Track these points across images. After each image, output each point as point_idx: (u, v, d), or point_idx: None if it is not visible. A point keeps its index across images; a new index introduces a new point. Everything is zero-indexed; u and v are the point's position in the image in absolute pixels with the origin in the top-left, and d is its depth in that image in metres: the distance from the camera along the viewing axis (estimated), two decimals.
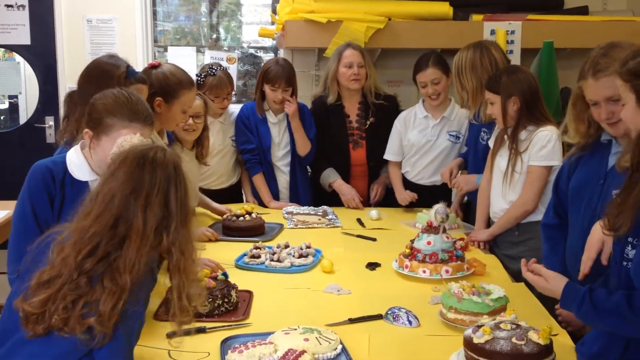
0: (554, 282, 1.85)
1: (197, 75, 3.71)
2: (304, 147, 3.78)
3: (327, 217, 3.55)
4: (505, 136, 3.00)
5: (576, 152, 2.33)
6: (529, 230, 2.93)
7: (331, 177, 3.82)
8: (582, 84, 2.16)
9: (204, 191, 3.66)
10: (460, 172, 3.61)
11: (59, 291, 1.60)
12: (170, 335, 2.03)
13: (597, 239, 1.93)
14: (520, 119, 2.94)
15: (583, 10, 4.50)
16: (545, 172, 2.90)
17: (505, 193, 3.02)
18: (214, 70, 3.71)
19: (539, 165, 2.90)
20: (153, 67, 2.87)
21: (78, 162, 2.13)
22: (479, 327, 1.82)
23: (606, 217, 1.74)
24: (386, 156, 3.81)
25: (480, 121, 3.33)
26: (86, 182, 2.12)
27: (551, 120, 2.96)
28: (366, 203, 3.85)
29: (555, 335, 1.99)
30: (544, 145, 2.88)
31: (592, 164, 2.27)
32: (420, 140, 3.71)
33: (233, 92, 3.87)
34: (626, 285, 1.70)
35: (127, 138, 2.01)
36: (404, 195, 3.70)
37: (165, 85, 2.80)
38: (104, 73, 2.41)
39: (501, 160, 3.03)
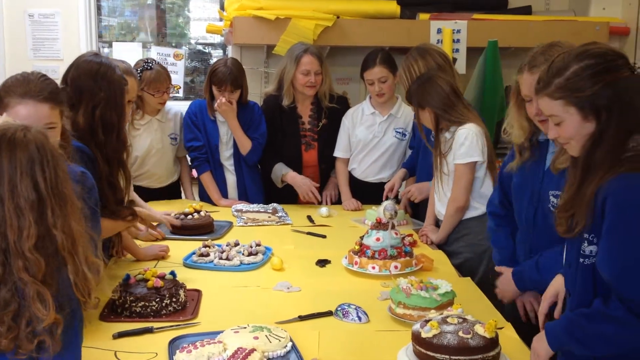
0: (538, 344, 1.80)
1: None
2: (243, 146, 3.75)
3: (277, 215, 3.54)
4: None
5: (519, 160, 2.36)
6: (466, 226, 3.03)
7: (283, 170, 3.79)
8: (518, 78, 2.21)
9: (143, 190, 3.59)
10: (404, 182, 3.66)
11: None
12: (116, 336, 2.01)
13: (552, 292, 1.98)
14: (438, 124, 3.02)
15: (526, 10, 4.61)
16: (467, 168, 2.98)
17: (439, 193, 3.11)
18: (150, 65, 3.63)
19: (460, 162, 2.99)
20: None
21: None
22: (427, 321, 1.84)
23: (558, 222, 1.76)
24: (335, 153, 3.83)
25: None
26: None
27: (472, 118, 3.02)
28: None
29: (501, 328, 2.03)
30: (462, 143, 2.96)
31: (532, 163, 2.32)
32: (367, 136, 3.74)
33: (172, 86, 3.80)
34: (583, 283, 1.71)
35: None
36: (348, 203, 3.73)
37: None
38: (104, 76, 2.45)
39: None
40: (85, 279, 1.54)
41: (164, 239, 3.08)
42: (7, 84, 2.07)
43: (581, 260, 1.70)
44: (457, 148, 2.98)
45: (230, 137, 3.79)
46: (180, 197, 3.96)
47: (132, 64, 3.66)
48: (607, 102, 1.63)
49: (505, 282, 2.40)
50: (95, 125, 2.43)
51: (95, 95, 2.41)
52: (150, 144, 3.71)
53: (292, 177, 3.80)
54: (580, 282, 1.72)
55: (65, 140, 2.11)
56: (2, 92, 2.06)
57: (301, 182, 3.78)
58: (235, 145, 3.79)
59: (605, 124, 1.63)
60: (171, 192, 3.89)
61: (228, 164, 3.84)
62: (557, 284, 1.99)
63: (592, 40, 1.77)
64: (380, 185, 3.71)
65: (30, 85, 2.04)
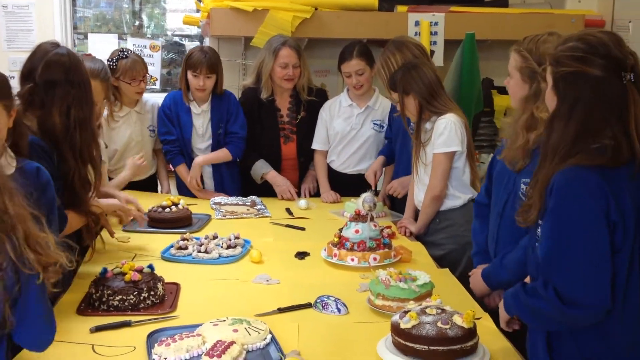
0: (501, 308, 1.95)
1: (108, 60, 3.53)
2: (226, 157, 3.76)
3: (255, 207, 3.53)
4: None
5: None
6: (448, 217, 3.04)
7: (264, 169, 3.78)
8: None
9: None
10: (384, 170, 3.68)
11: None
12: (93, 330, 2.00)
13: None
14: (421, 112, 3.03)
15: (503, 3, 4.64)
16: (445, 158, 2.99)
17: (418, 183, 3.13)
18: (125, 53, 3.59)
19: (438, 152, 2.99)
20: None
21: None
22: (406, 312, 1.85)
23: (521, 210, 1.82)
24: (314, 145, 3.82)
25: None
26: None
27: (453, 108, 3.04)
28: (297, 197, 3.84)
29: (479, 318, 2.05)
30: (442, 133, 2.97)
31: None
32: (344, 128, 3.74)
33: (148, 75, 3.76)
34: (536, 265, 1.78)
35: None
36: (327, 195, 3.73)
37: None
38: (76, 71, 2.40)
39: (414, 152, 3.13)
40: (28, 254, 1.56)
41: (144, 232, 3.04)
42: None
43: (537, 244, 1.77)
44: (436, 138, 2.98)
45: (207, 128, 3.76)
46: (156, 191, 3.93)
47: (108, 55, 3.65)
48: (564, 89, 1.70)
49: (476, 281, 2.43)
50: (72, 126, 2.37)
51: (68, 94, 2.35)
52: (129, 137, 3.68)
53: (273, 177, 3.78)
54: (534, 266, 1.79)
55: (19, 136, 2.07)
56: None
57: (281, 182, 3.77)
58: (213, 137, 3.76)
59: (570, 110, 1.68)
60: (149, 185, 3.86)
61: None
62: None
63: (571, 33, 1.79)
64: (359, 177, 3.71)
65: None
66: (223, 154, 3.75)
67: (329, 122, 3.77)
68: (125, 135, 3.67)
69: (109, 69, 3.08)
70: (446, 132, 2.96)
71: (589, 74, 1.66)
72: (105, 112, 3.19)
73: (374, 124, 3.74)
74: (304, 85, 3.78)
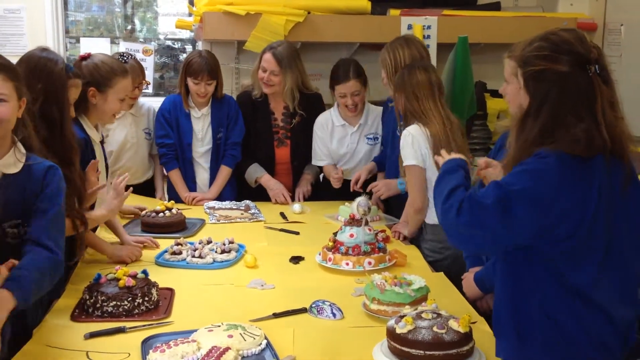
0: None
1: None
2: (229, 175, 3.79)
3: (249, 212, 3.52)
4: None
5: (506, 132, 2.42)
6: (434, 232, 2.99)
7: (257, 173, 3.78)
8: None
9: None
10: (372, 175, 3.66)
11: None
12: (87, 337, 1.99)
13: None
14: (405, 114, 3.04)
15: (496, 7, 4.65)
16: (412, 170, 2.97)
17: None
18: (125, 59, 3.58)
19: (406, 164, 2.99)
20: (83, 59, 2.81)
21: None
22: (402, 317, 1.85)
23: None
24: (319, 163, 3.81)
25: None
26: None
27: (432, 118, 2.97)
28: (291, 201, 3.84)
29: (474, 322, 2.05)
30: (403, 146, 2.98)
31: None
32: (340, 149, 3.75)
33: (144, 82, 3.75)
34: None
35: None
36: (338, 176, 3.66)
37: (97, 75, 2.74)
38: (44, 68, 2.35)
39: None
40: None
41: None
42: None
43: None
44: (402, 149, 2.99)
45: (206, 132, 3.75)
46: (153, 196, 3.91)
47: None
48: (533, 87, 1.74)
49: (468, 284, 2.42)
50: (37, 121, 2.29)
51: (32, 88, 2.26)
52: (125, 138, 3.67)
53: (266, 181, 3.78)
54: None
55: (25, 126, 2.08)
56: None
57: (274, 186, 3.76)
58: (212, 142, 3.76)
59: (538, 106, 1.73)
60: (147, 190, 3.84)
61: (202, 161, 3.80)
62: None
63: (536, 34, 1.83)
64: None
65: None
66: (226, 173, 3.77)
67: (326, 139, 3.76)
68: (120, 137, 3.66)
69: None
70: (405, 145, 2.96)
71: (555, 70, 1.71)
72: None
73: (368, 139, 3.74)
74: (292, 93, 3.72)
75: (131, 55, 3.65)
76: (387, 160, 3.54)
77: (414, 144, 2.94)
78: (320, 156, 3.80)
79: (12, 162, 2.03)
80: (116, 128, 3.65)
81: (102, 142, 2.88)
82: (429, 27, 4.28)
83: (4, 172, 2.01)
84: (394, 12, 4.37)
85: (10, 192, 2.01)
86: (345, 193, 3.63)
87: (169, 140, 3.73)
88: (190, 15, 4.59)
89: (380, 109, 3.72)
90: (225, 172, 3.77)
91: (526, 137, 1.74)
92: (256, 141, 3.82)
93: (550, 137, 1.70)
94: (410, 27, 4.24)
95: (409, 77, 3.03)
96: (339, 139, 3.74)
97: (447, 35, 4.23)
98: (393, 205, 3.52)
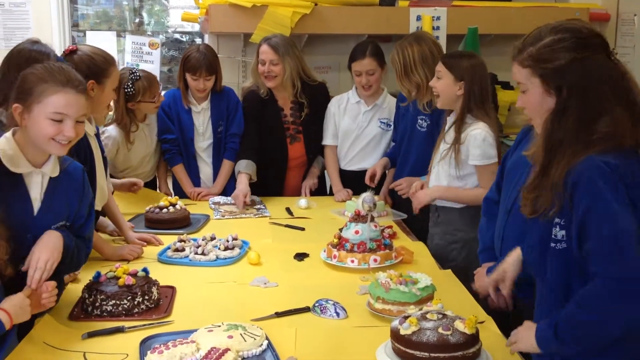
0: (524, 337, 1.75)
1: (124, 88, 3.43)
2: (231, 170, 3.72)
3: (255, 207, 3.48)
4: (447, 122, 2.99)
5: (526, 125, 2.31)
6: (448, 215, 2.97)
7: (241, 168, 3.61)
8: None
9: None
10: (387, 172, 3.62)
11: None
12: (86, 337, 1.95)
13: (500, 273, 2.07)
14: (463, 107, 2.89)
15: None
16: (488, 168, 2.86)
17: (438, 176, 2.99)
18: (137, 74, 3.50)
19: (480, 164, 2.88)
20: (72, 52, 2.74)
21: (11, 152, 2.00)
22: (406, 318, 1.80)
23: (523, 202, 1.75)
24: (324, 141, 3.76)
25: (425, 109, 3.32)
26: (20, 175, 2.02)
27: (488, 117, 2.90)
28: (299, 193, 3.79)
29: (482, 322, 1.99)
30: (479, 146, 2.85)
31: (527, 146, 2.27)
32: (350, 126, 3.69)
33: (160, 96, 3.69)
34: (557, 267, 1.68)
35: None
36: (340, 194, 3.64)
37: (94, 67, 2.68)
38: (35, 62, 2.24)
39: (442, 144, 3.00)
40: None
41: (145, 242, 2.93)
42: (37, 72, 1.99)
43: (552, 245, 1.67)
44: (473, 149, 2.85)
45: (207, 127, 3.70)
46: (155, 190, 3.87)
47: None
48: (571, 79, 1.63)
49: (481, 280, 2.35)
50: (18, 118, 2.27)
51: (13, 83, 2.16)
52: (145, 152, 3.64)
53: (240, 180, 3.57)
54: (554, 268, 1.69)
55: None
56: (33, 81, 1.97)
57: (238, 188, 3.51)
58: (214, 136, 3.71)
59: (566, 101, 1.63)
60: (151, 185, 3.80)
61: (205, 155, 3.75)
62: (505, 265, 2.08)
63: (537, 29, 1.74)
64: (363, 174, 3.63)
65: (70, 76, 2.01)
66: (229, 167, 3.70)
67: (337, 117, 3.72)
68: (140, 153, 3.62)
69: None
70: (486, 146, 2.84)
71: (591, 57, 1.63)
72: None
73: (381, 122, 3.69)
74: (290, 81, 3.63)
75: (137, 69, 3.57)
76: (402, 160, 3.48)
77: (494, 142, 2.86)
78: (327, 134, 3.76)
79: (54, 165, 2.09)
80: (136, 145, 3.57)
81: (97, 135, 2.84)
82: (438, 18, 4.22)
83: (50, 176, 2.07)
84: (402, 3, 4.31)
85: (57, 195, 2.08)
86: (352, 187, 3.58)
87: (171, 136, 3.68)
88: (196, 7, 4.54)
89: (395, 100, 3.65)
90: (228, 166, 3.71)
91: (562, 138, 1.63)
92: (268, 141, 3.74)
93: (591, 132, 1.60)
94: (419, 18, 4.18)
95: (480, 71, 2.88)
96: (351, 115, 3.70)
97: (456, 26, 4.17)
98: (400, 201, 3.46)
